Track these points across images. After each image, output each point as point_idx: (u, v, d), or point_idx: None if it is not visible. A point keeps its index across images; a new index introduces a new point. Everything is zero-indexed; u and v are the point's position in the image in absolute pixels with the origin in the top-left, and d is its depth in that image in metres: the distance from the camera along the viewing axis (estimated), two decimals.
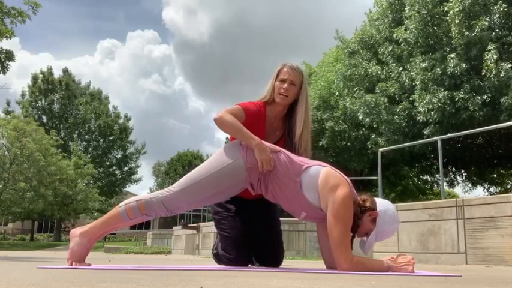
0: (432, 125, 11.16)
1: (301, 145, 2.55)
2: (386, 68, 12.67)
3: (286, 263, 2.77)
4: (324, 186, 2.16)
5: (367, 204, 2.18)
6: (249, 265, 2.66)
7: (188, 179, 2.27)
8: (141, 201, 2.23)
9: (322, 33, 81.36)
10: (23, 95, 32.03)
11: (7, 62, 7.61)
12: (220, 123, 2.35)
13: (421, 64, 11.09)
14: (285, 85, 2.51)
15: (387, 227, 2.19)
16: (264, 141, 2.28)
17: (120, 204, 2.27)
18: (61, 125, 32.04)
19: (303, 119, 2.53)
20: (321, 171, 2.21)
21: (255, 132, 2.44)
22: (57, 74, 32.89)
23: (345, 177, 2.24)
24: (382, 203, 2.23)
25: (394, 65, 12.30)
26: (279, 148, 2.31)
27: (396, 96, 12.19)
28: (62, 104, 32.18)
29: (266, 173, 2.24)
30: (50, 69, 32.50)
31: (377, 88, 12.28)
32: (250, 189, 2.30)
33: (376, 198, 2.25)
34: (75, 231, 2.25)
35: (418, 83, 11.13)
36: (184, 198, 2.24)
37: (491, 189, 18.26)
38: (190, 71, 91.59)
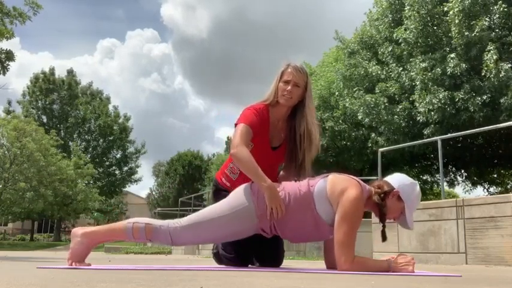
0: (432, 125, 11.16)
1: (310, 150, 2.53)
2: (386, 68, 12.66)
3: (286, 263, 2.77)
4: (333, 193, 2.16)
5: (385, 188, 2.19)
6: (249, 265, 2.65)
7: (199, 217, 2.26)
8: (149, 225, 2.22)
9: (322, 31, 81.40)
10: (23, 95, 32.02)
11: (7, 63, 7.60)
12: (236, 159, 2.35)
13: (421, 64, 11.09)
14: (289, 87, 2.47)
15: (412, 195, 2.21)
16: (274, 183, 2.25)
17: (130, 220, 2.27)
18: (61, 125, 32.02)
19: (312, 122, 2.50)
20: (327, 181, 2.21)
21: (260, 138, 2.42)
22: (57, 74, 32.89)
23: (353, 177, 2.24)
24: (394, 179, 2.25)
25: (394, 65, 12.29)
26: (282, 186, 2.28)
27: (396, 96, 12.18)
28: (62, 104, 32.17)
29: (279, 220, 2.21)
30: (52, 69, 32.52)
31: (377, 88, 12.27)
32: (263, 233, 2.29)
33: (385, 178, 2.27)
34: (77, 231, 2.23)
35: (418, 83, 11.12)
36: (191, 235, 2.24)
37: (491, 189, 18.25)
38: (190, 68, 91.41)
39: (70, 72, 33.13)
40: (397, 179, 2.24)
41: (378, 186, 2.22)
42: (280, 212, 2.18)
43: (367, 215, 2.61)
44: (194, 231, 2.23)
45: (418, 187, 2.25)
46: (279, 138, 2.60)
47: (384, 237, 2.24)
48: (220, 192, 2.74)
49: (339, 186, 2.16)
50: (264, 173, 2.28)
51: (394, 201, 2.18)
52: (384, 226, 2.23)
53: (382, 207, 2.17)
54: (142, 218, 2.29)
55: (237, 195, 2.28)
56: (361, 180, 2.26)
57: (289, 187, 2.26)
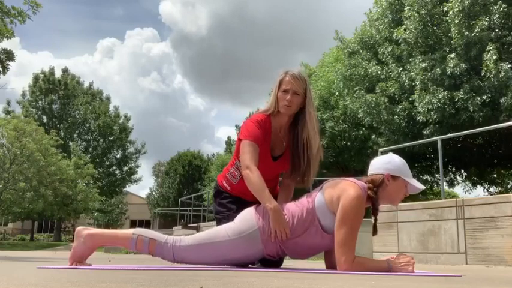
0: (432, 125, 11.17)
1: (316, 158, 2.51)
2: (386, 68, 12.66)
3: (286, 263, 2.77)
4: (331, 200, 2.18)
5: (377, 179, 2.21)
6: (249, 265, 2.65)
7: (204, 238, 2.26)
8: (154, 241, 2.22)
9: (322, 31, 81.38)
10: (23, 95, 32.00)
11: (7, 62, 7.59)
12: (247, 181, 2.36)
13: (420, 64, 11.09)
14: (288, 96, 2.46)
15: (400, 167, 2.23)
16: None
17: (136, 231, 2.27)
18: (61, 125, 32.00)
19: (314, 128, 2.49)
20: (323, 192, 2.23)
21: (261, 149, 2.42)
22: (57, 73, 32.86)
23: (347, 179, 2.25)
24: (376, 167, 2.26)
25: (393, 65, 12.29)
26: (286, 208, 2.29)
27: (396, 96, 12.19)
28: (61, 104, 32.14)
29: (285, 242, 2.22)
30: (51, 69, 32.48)
31: (377, 88, 12.27)
32: (269, 258, 2.30)
33: (369, 172, 2.27)
34: (82, 231, 2.22)
35: (417, 83, 11.12)
36: (194, 255, 2.24)
37: (491, 189, 18.25)
38: (189, 66, 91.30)
39: (65, 71, 33.07)
40: (378, 166, 2.25)
41: (369, 181, 2.23)
42: (284, 235, 2.19)
43: (367, 215, 2.61)
44: (198, 252, 2.23)
45: (395, 156, 2.28)
46: (281, 147, 2.58)
47: (375, 231, 2.28)
48: (221, 194, 2.77)
49: (336, 192, 2.17)
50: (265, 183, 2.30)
51: (392, 183, 2.20)
52: (375, 220, 2.26)
53: (375, 201, 2.19)
54: (148, 231, 2.27)
55: (242, 220, 2.27)
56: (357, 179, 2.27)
57: (292, 209, 2.26)
